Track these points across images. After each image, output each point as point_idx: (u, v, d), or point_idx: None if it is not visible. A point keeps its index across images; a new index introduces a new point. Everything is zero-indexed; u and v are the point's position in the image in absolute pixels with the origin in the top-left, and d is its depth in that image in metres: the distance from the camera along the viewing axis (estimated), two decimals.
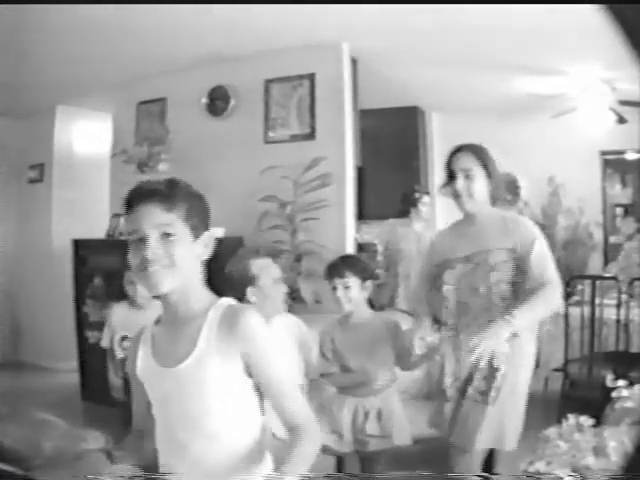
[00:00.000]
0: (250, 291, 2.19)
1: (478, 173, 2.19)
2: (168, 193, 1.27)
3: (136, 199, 1.27)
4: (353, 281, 2.44)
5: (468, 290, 2.18)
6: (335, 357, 2.48)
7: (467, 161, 2.20)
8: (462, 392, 2.20)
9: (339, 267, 2.48)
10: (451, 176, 2.22)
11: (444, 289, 2.26)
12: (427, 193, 4.78)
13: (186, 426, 1.29)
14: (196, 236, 1.30)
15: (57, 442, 0.87)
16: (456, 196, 2.23)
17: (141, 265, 1.25)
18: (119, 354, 3.18)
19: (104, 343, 3.37)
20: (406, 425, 2.45)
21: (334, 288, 2.47)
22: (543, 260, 2.13)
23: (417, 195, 4.56)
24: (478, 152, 2.23)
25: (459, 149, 2.25)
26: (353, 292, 2.44)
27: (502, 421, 2.13)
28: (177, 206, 1.26)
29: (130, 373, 1.42)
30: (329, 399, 2.48)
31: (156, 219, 1.25)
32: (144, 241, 1.24)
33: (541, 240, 2.16)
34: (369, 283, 2.48)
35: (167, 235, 1.25)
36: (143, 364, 1.36)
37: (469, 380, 2.17)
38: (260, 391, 1.33)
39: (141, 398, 1.39)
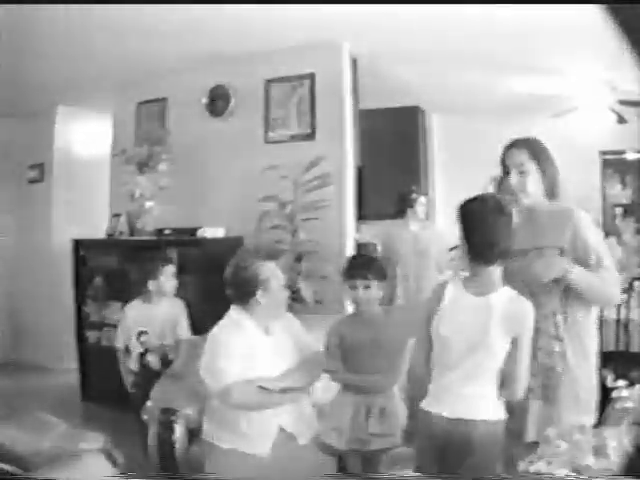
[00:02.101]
0: (259, 293, 2.26)
1: (531, 169, 2.15)
2: None
3: None
4: (373, 282, 2.46)
5: (521, 284, 2.09)
6: (342, 354, 2.48)
7: (520, 156, 2.16)
8: None
9: (361, 268, 2.50)
10: (506, 171, 2.20)
11: None
12: (425, 194, 4.77)
13: None
14: None
15: (57, 442, 0.87)
16: (511, 193, 2.19)
17: None
18: (137, 349, 3.23)
19: (118, 344, 3.37)
20: None
21: (353, 288, 2.48)
22: (592, 252, 2.08)
23: (413, 196, 4.54)
24: (532, 147, 2.18)
25: (513, 144, 2.21)
26: (372, 292, 2.47)
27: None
28: None
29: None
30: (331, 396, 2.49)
31: None
32: None
33: (586, 228, 2.13)
34: (384, 283, 2.50)
35: None
36: None
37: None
38: None
39: None
